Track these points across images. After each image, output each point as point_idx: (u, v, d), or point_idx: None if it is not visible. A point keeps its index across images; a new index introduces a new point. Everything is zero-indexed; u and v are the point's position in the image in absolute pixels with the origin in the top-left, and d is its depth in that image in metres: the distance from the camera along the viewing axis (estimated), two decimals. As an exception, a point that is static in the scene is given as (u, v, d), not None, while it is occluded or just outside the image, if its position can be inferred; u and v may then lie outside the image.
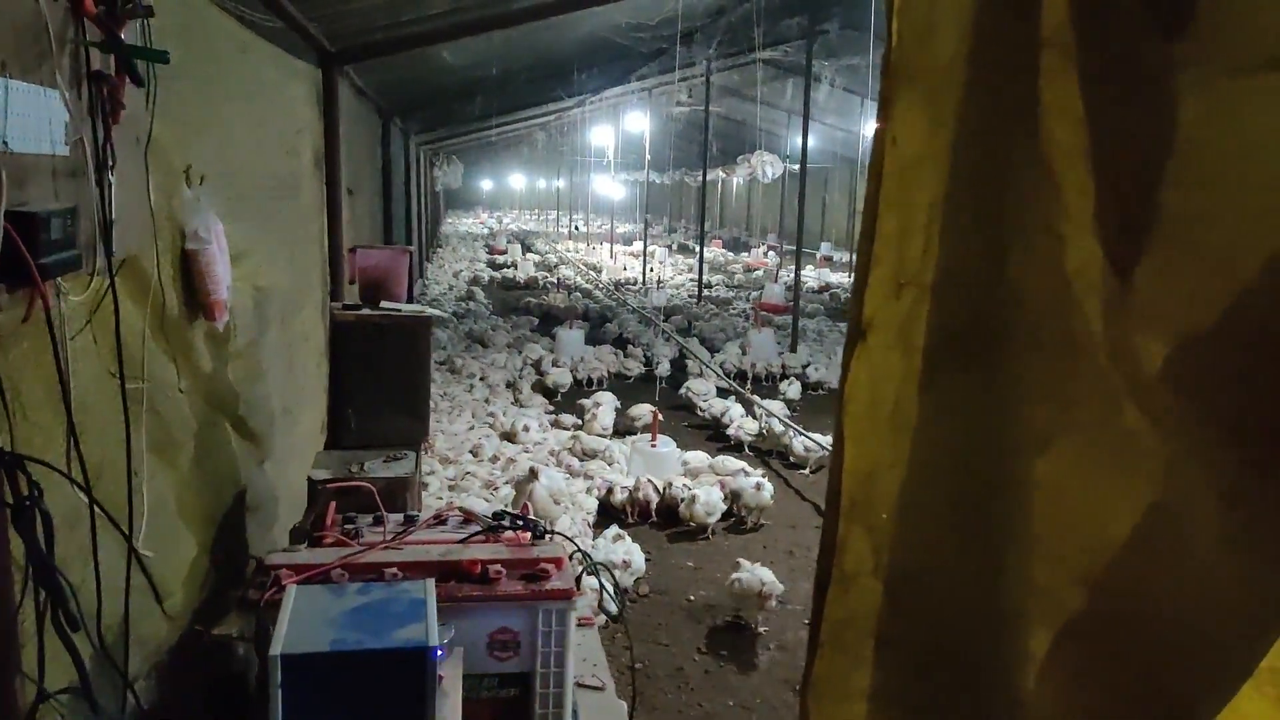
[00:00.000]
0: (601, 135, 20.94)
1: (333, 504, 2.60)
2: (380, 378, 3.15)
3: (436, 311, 3.48)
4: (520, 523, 2.24)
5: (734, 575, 4.32)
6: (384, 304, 3.20)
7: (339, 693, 1.52)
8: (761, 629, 4.33)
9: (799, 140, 11.24)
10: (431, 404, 7.77)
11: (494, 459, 6.35)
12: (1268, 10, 0.84)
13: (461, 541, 2.16)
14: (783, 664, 4.05)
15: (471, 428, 7.16)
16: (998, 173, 0.94)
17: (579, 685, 2.66)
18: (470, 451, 6.49)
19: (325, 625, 1.58)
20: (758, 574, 4.23)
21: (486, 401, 8.16)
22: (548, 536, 2.20)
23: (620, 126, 18.87)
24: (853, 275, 1.09)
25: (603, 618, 4.19)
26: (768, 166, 18.63)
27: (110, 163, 1.58)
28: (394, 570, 1.94)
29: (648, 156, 16.84)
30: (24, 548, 1.28)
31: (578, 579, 2.04)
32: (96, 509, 1.55)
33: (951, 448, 0.99)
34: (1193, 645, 1.05)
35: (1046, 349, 1.05)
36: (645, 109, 16.43)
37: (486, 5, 5.25)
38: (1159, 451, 1.01)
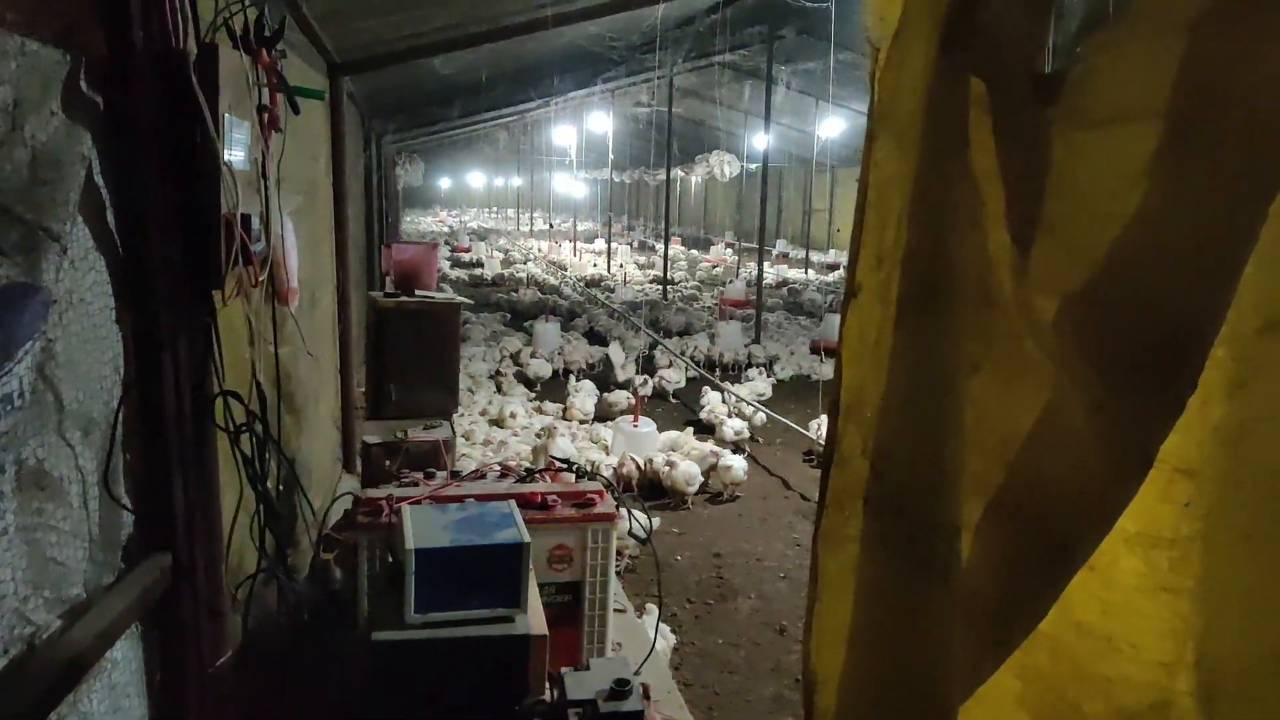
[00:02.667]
0: (564, 135, 21.34)
1: (385, 463, 3.06)
2: (416, 356, 3.60)
3: (465, 299, 3.92)
4: (566, 467, 2.72)
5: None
6: (418, 292, 3.65)
7: (459, 579, 1.99)
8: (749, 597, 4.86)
9: (756, 140, 11.80)
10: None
11: (486, 443, 6.79)
12: (1102, 90, 1.38)
13: (520, 480, 2.64)
14: (762, 610, 4.59)
15: (461, 414, 7.58)
16: (940, 187, 1.46)
17: (605, 608, 3.16)
18: (463, 436, 6.91)
19: (441, 530, 2.05)
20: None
21: (471, 391, 8.58)
22: (587, 477, 2.69)
23: (583, 126, 19.30)
24: (848, 252, 1.61)
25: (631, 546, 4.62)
26: (726, 165, 19.24)
27: (266, 175, 2.03)
28: (471, 500, 2.42)
29: (611, 156, 17.31)
30: (239, 463, 1.73)
31: (618, 505, 2.53)
32: (270, 438, 2.00)
33: (913, 368, 1.52)
34: (1071, 505, 1.56)
35: (974, 302, 1.58)
36: (608, 109, 16.90)
37: (481, 21, 5.68)
38: (1046, 373, 1.54)
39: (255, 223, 1.82)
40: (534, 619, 2.04)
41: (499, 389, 8.68)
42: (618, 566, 4.88)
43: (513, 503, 2.21)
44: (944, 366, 1.55)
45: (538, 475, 2.84)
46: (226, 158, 1.65)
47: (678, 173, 24.00)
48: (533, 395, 8.63)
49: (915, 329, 1.56)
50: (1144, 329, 1.41)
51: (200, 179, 1.61)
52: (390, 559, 2.22)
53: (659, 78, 13.02)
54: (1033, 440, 1.60)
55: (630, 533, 2.63)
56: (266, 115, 1.94)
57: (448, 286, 16.31)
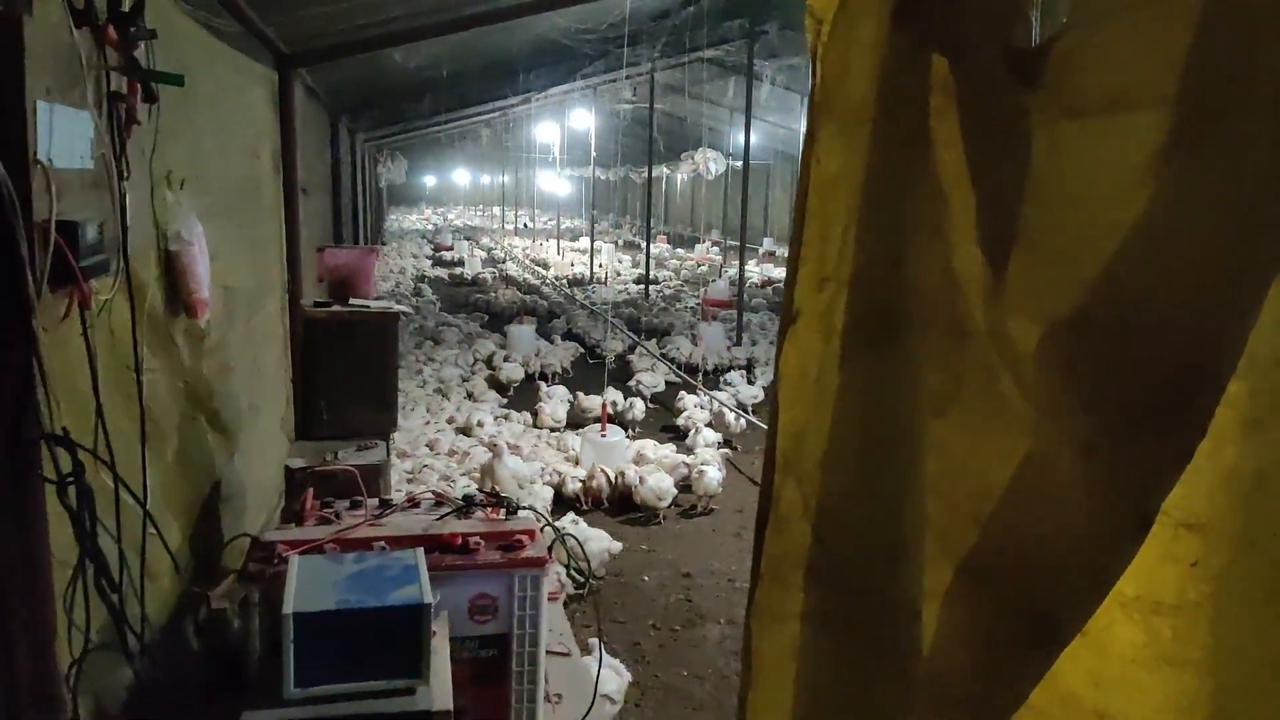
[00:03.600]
0: (547, 132, 21.03)
1: (310, 490, 2.76)
2: (350, 371, 3.31)
3: (403, 308, 3.63)
4: (495, 500, 2.44)
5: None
6: (352, 301, 3.36)
7: (344, 646, 1.71)
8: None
9: (741, 137, 11.54)
10: (386, 400, 7.89)
11: (451, 453, 6.50)
12: (1095, 69, 1.10)
13: (441, 518, 2.35)
14: (731, 637, 4.32)
15: (427, 423, 7.29)
16: (896, 190, 1.19)
17: (547, 652, 2.88)
18: (427, 445, 6.63)
19: (329, 588, 1.77)
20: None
21: (441, 394, 8.29)
22: (519, 512, 2.41)
23: (566, 123, 19.00)
24: (785, 272, 1.33)
25: (561, 597, 4.41)
26: (711, 163, 18.96)
27: (125, 174, 1.74)
28: (382, 544, 2.13)
29: (594, 154, 17.03)
30: (68, 519, 1.44)
31: (549, 548, 2.25)
32: (121, 487, 1.71)
33: (862, 412, 1.24)
34: (1056, 571, 1.30)
35: (938, 331, 1.30)
36: (590, 106, 16.61)
37: (440, 10, 5.39)
38: (1026, 414, 1.26)
39: (91, 232, 1.53)
40: (438, 690, 1.76)
41: (469, 395, 8.38)
42: (579, 590, 4.61)
43: (419, 552, 1.93)
44: (900, 409, 1.28)
45: (476, 506, 2.56)
46: (41, 154, 1.36)
47: (663, 170, 23.72)
48: (505, 401, 8.34)
49: (865, 364, 1.29)
50: (1146, 361, 1.14)
51: None
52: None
53: (640, 74, 12.74)
54: (1010, 495, 1.32)
55: (570, 573, 2.34)
56: (124, 106, 1.65)
57: (427, 287, 15.99)
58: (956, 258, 1.25)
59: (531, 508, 2.44)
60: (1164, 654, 1.27)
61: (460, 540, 2.20)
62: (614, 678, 3.21)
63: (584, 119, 17.54)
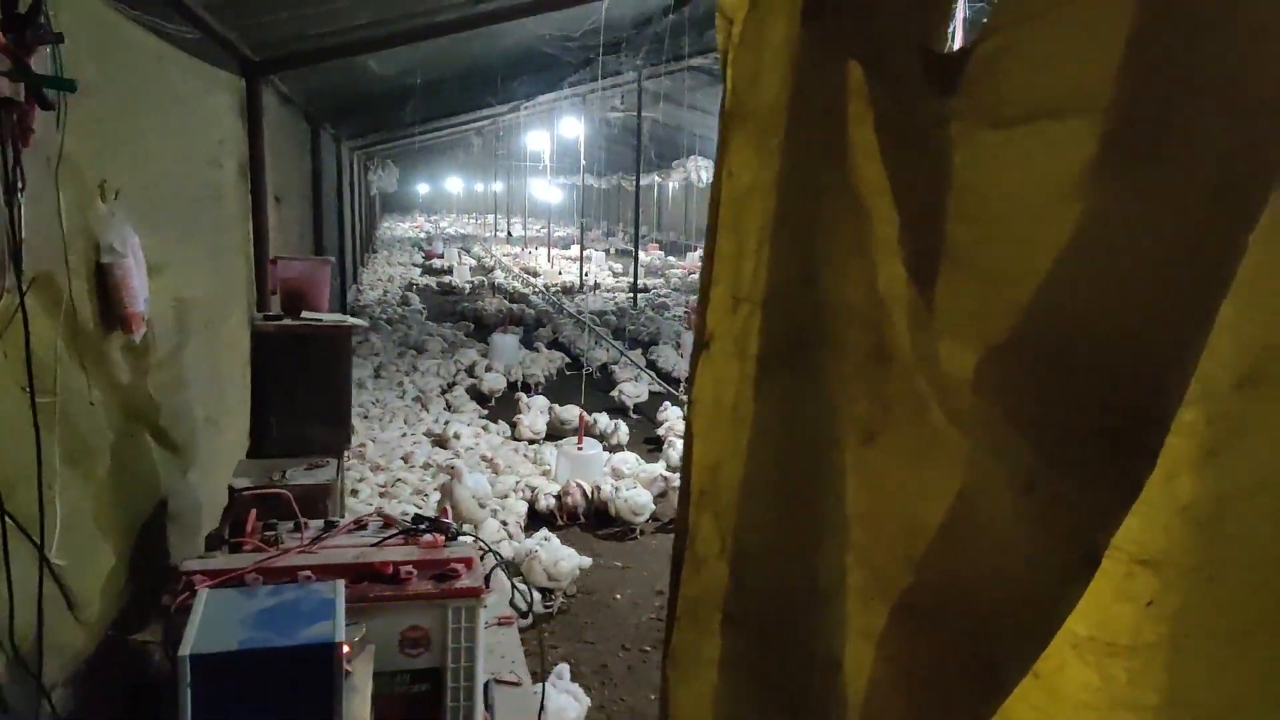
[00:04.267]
0: (537, 140, 20.97)
1: (253, 511, 2.65)
2: (302, 386, 3.21)
3: (358, 321, 3.52)
4: (434, 525, 2.33)
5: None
6: (305, 314, 3.26)
7: (248, 691, 1.60)
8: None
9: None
10: (363, 410, 7.79)
11: (426, 465, 6.38)
12: (1020, 74, 1.01)
13: (376, 545, 2.25)
14: (705, 657, 4.20)
15: (404, 434, 7.17)
16: (812, 202, 1.09)
17: (497, 681, 2.77)
18: (402, 458, 6.51)
19: (235, 625, 1.66)
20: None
21: (421, 405, 8.17)
22: (460, 538, 2.30)
23: (555, 131, 18.94)
24: (698, 290, 1.23)
25: (528, 619, 4.30)
26: (703, 171, 18.91)
27: (20, 185, 1.64)
28: (308, 573, 2.02)
29: (583, 162, 16.96)
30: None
31: (487, 578, 2.14)
32: (8, 520, 1.60)
33: (779, 442, 1.14)
34: (997, 613, 1.20)
35: (864, 355, 1.20)
36: (580, 114, 16.54)
37: (411, 17, 5.30)
38: (959, 446, 1.16)
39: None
40: (354, 733, 1.65)
41: (449, 406, 8.26)
42: (549, 608, 4.49)
43: (340, 585, 1.82)
44: (821, 438, 1.17)
45: (422, 531, 2.44)
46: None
47: (655, 178, 23.65)
48: (485, 411, 8.23)
49: (782, 390, 1.18)
50: (1089, 389, 1.05)
51: None
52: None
53: (628, 82, 12.68)
54: (946, 532, 1.23)
55: (511, 604, 2.24)
56: (15, 113, 1.55)
57: (414, 296, 15.87)
58: (881, 277, 1.15)
59: (471, 534, 2.33)
60: (1119, 698, 1.18)
61: (391, 569, 2.09)
62: (572, 705, 3.10)
63: (573, 128, 17.48)
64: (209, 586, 1.84)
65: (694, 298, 16.57)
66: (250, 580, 1.96)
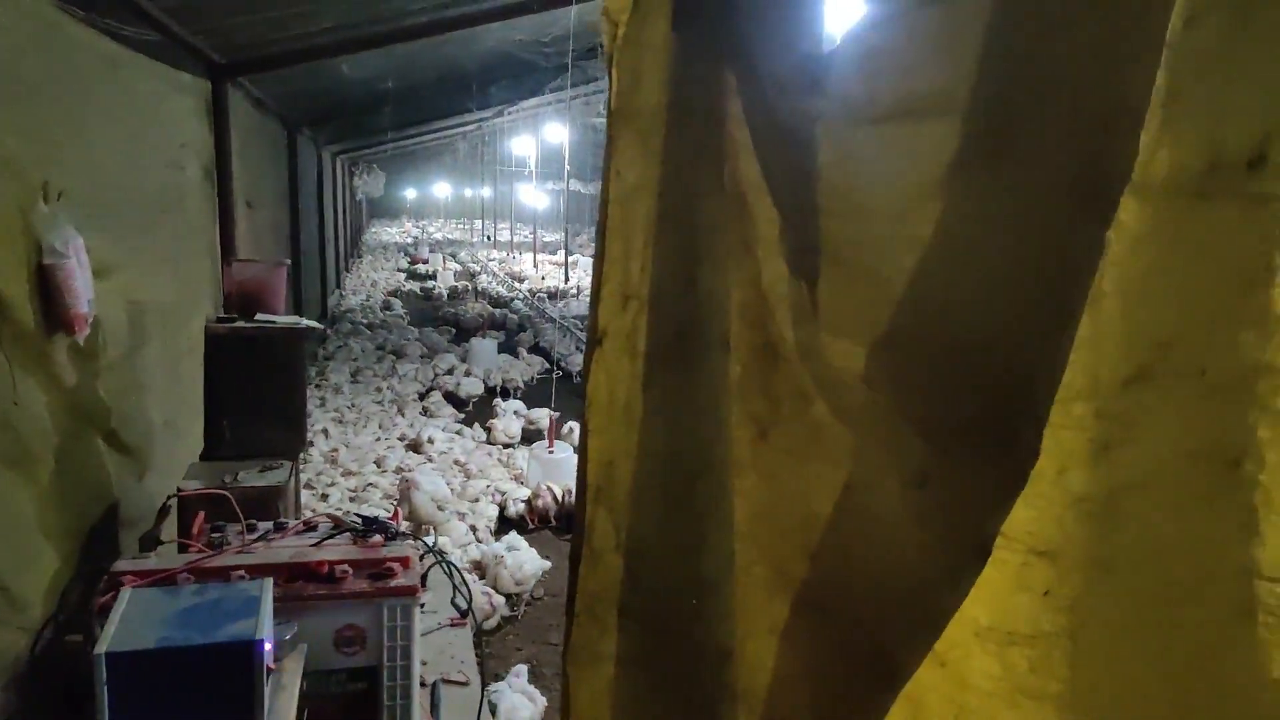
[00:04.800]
0: (522, 145, 20.99)
1: (201, 513, 2.65)
2: (255, 389, 3.20)
3: (312, 323, 3.51)
4: (378, 526, 2.34)
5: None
6: (259, 316, 3.26)
7: (167, 690, 1.60)
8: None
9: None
10: (338, 415, 7.76)
11: (398, 470, 6.37)
12: (883, 75, 1.02)
13: (314, 545, 2.25)
14: (668, 659, 4.20)
15: (378, 439, 7.16)
16: (692, 201, 1.11)
17: (445, 681, 2.77)
18: (374, 463, 6.50)
19: (156, 624, 1.66)
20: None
21: (397, 409, 8.15)
22: (400, 539, 2.30)
23: (540, 137, 18.96)
24: (590, 288, 1.25)
25: (495, 620, 4.30)
26: (687, 177, 18.93)
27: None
28: (241, 573, 2.02)
29: (568, 168, 16.99)
30: None
31: (423, 577, 2.15)
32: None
33: (666, 438, 1.16)
34: (892, 604, 1.22)
35: (751, 352, 1.22)
36: (564, 120, 16.56)
37: (380, 21, 5.31)
38: (845, 441, 1.18)
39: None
40: (276, 733, 1.65)
41: (425, 410, 8.25)
42: (514, 613, 4.49)
43: (267, 582, 1.82)
44: (704, 434, 1.19)
45: (373, 531, 2.45)
46: None
47: (640, 184, 23.63)
48: (461, 416, 8.22)
49: (667, 386, 1.19)
50: (969, 383, 1.06)
51: None
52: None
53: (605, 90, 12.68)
54: (836, 525, 1.24)
55: (453, 602, 2.24)
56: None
57: (397, 301, 15.84)
58: (765, 274, 1.17)
59: (407, 533, 2.34)
60: (1021, 686, 1.19)
61: (326, 568, 2.09)
62: (527, 705, 3.10)
63: (558, 133, 17.51)
64: (135, 586, 1.84)
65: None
66: (181, 580, 1.96)
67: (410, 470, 6.18)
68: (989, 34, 0.95)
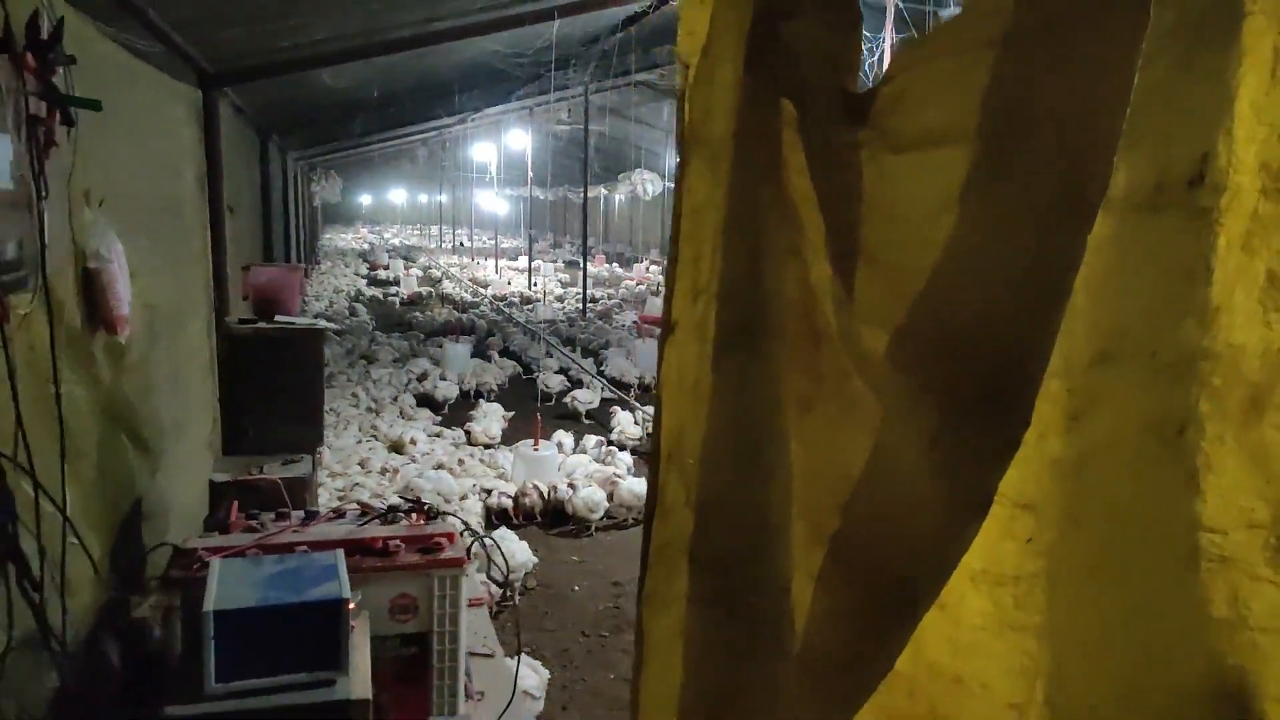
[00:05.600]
0: (484, 152, 21.08)
1: (235, 503, 2.82)
2: (275, 387, 3.37)
3: (329, 324, 3.66)
4: (414, 507, 2.54)
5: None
6: (278, 318, 3.42)
7: (266, 642, 1.79)
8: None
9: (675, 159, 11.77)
10: (318, 418, 7.82)
11: (382, 471, 6.51)
12: (911, 111, 1.29)
13: (363, 524, 2.44)
14: (659, 641, 4.44)
15: (359, 441, 7.28)
16: (755, 214, 1.35)
17: (471, 653, 2.97)
18: (359, 464, 6.62)
19: (250, 587, 1.85)
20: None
21: (375, 413, 8.26)
22: (440, 518, 2.51)
23: (502, 143, 19.09)
24: (664, 286, 1.48)
25: (496, 601, 4.49)
26: (648, 184, 19.25)
27: (44, 194, 1.81)
28: (303, 548, 2.22)
29: (530, 174, 17.15)
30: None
31: (468, 550, 2.36)
32: (42, 495, 1.77)
33: (732, 411, 1.40)
34: (912, 546, 1.47)
35: (799, 338, 1.47)
36: (527, 127, 16.74)
37: (367, 33, 5.47)
38: (876, 411, 1.43)
39: (10, 249, 1.60)
40: (358, 681, 1.85)
41: (402, 413, 8.37)
42: (511, 599, 4.69)
43: (340, 552, 2.02)
44: (765, 408, 1.44)
45: (401, 514, 2.64)
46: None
47: (601, 191, 23.93)
48: (438, 419, 8.36)
49: (734, 367, 1.45)
50: (975, 361, 1.32)
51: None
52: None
53: (574, 97, 12.93)
54: (866, 482, 1.50)
55: (489, 576, 2.45)
56: (43, 129, 1.73)
57: (361, 306, 15.83)
58: (812, 273, 1.42)
59: (454, 514, 2.54)
60: (1007, 620, 1.45)
61: (381, 544, 2.29)
62: (532, 675, 3.31)
63: (521, 140, 17.66)
64: (223, 557, 2.02)
65: (642, 307, 16.88)
66: (251, 555, 2.15)
67: (395, 471, 6.33)
68: (991, 79, 1.22)
